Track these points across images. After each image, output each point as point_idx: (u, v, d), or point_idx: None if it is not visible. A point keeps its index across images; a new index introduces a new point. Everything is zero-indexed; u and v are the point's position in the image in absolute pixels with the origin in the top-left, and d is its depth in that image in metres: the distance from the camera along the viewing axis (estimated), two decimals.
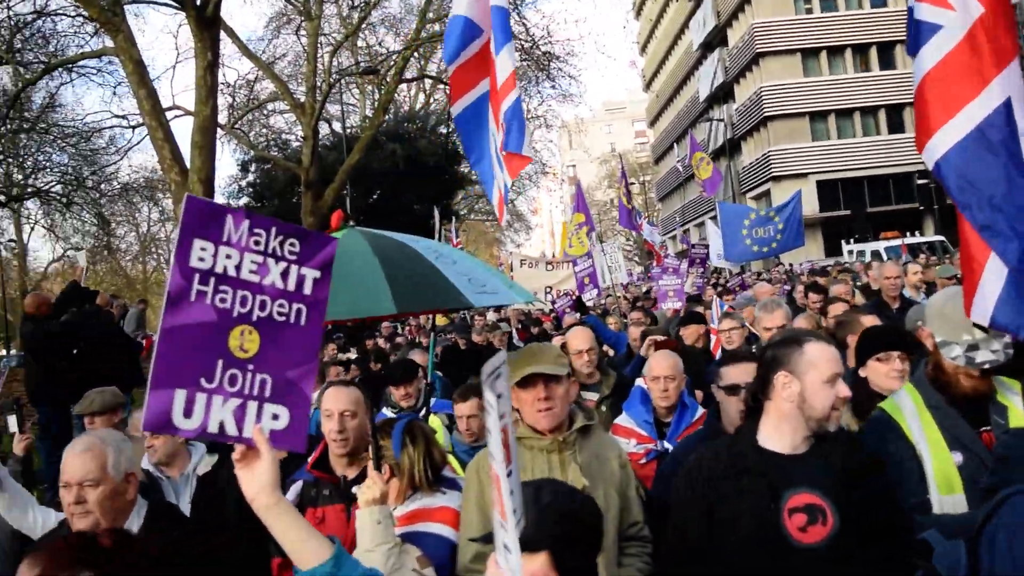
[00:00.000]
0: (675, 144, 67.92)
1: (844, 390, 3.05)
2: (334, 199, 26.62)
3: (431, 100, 46.62)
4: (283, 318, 2.46)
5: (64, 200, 38.61)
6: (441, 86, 39.41)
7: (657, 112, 79.39)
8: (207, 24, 17.72)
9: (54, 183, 38.44)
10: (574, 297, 14.70)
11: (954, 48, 3.50)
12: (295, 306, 2.49)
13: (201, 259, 2.31)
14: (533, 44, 29.58)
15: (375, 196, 37.66)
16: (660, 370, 5.38)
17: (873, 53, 51.70)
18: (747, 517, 2.98)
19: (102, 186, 38.89)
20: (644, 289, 22.13)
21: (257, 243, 2.43)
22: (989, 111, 3.36)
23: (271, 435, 2.39)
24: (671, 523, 3.29)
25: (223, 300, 2.35)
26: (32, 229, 55.13)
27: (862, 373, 4.47)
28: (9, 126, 31.04)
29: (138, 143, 75.33)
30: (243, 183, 39.78)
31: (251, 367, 2.39)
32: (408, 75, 31.62)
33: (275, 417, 2.43)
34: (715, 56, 59.18)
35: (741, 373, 4.31)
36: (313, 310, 2.53)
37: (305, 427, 2.50)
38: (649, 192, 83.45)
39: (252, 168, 39.68)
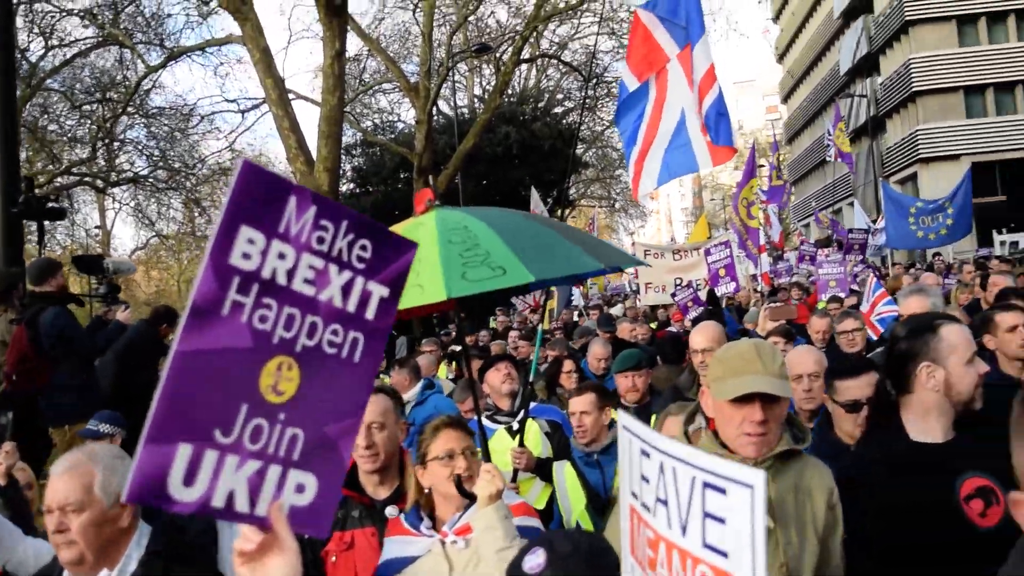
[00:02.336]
0: (814, 121, 67.77)
1: (983, 366, 3.31)
2: (447, 186, 28.23)
3: (543, 77, 48.16)
4: (334, 350, 2.02)
5: (161, 185, 41.34)
6: (555, 62, 40.93)
7: (791, 86, 79.16)
8: (336, 12, 19.54)
9: (152, 168, 41.22)
10: (697, 288, 14.53)
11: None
12: (351, 335, 2.05)
13: (246, 256, 1.83)
14: None
15: (484, 182, 39.39)
16: (802, 367, 4.98)
17: None
18: (926, 515, 3.10)
19: (201, 171, 41.42)
20: (791, 279, 21.64)
21: (321, 240, 1.96)
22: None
23: (290, 513, 1.95)
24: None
25: (264, 319, 1.87)
26: (116, 215, 58.65)
27: None
28: (112, 110, 33.86)
29: (247, 128, 78.39)
30: (346, 167, 41.90)
31: (282, 417, 1.93)
32: (525, 54, 33.12)
33: (299, 489, 1.98)
34: (858, 24, 58.84)
35: (860, 388, 4.24)
36: (372, 342, 2.10)
37: (334, 505, 2.10)
38: (782, 172, 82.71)
39: (356, 152, 41.77)
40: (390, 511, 3.97)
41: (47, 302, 9.02)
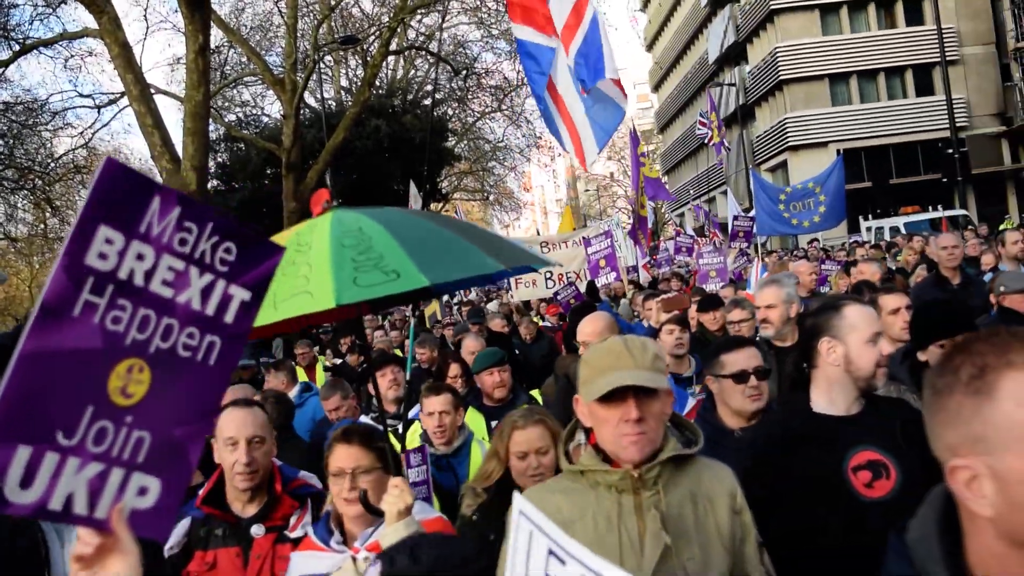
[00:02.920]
0: (685, 110, 69.28)
1: (886, 347, 3.56)
2: (317, 182, 28.14)
3: (411, 68, 48.18)
4: (188, 353, 2.05)
5: (9, 185, 39.67)
6: (423, 54, 41.00)
7: (661, 76, 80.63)
8: (198, 5, 19.34)
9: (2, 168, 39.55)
10: (577, 283, 14.85)
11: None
12: (207, 339, 2.08)
13: (103, 256, 1.85)
14: None
15: (355, 176, 39.28)
16: None
17: (899, 8, 52.35)
18: (815, 481, 3.33)
19: (53, 170, 39.95)
20: (670, 269, 21.26)
21: (183, 242, 2.00)
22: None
23: (131, 517, 1.97)
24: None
25: (117, 320, 1.90)
26: None
27: (922, 357, 4.86)
28: None
29: (104, 125, 76.58)
30: (211, 164, 41.03)
31: (129, 419, 1.95)
32: (393, 46, 33.13)
33: (142, 492, 2.00)
34: (725, 13, 60.26)
35: (746, 358, 4.52)
36: (229, 346, 2.13)
37: (176, 509, 2.14)
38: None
39: (220, 148, 41.07)
40: (256, 530, 3.93)
41: None
